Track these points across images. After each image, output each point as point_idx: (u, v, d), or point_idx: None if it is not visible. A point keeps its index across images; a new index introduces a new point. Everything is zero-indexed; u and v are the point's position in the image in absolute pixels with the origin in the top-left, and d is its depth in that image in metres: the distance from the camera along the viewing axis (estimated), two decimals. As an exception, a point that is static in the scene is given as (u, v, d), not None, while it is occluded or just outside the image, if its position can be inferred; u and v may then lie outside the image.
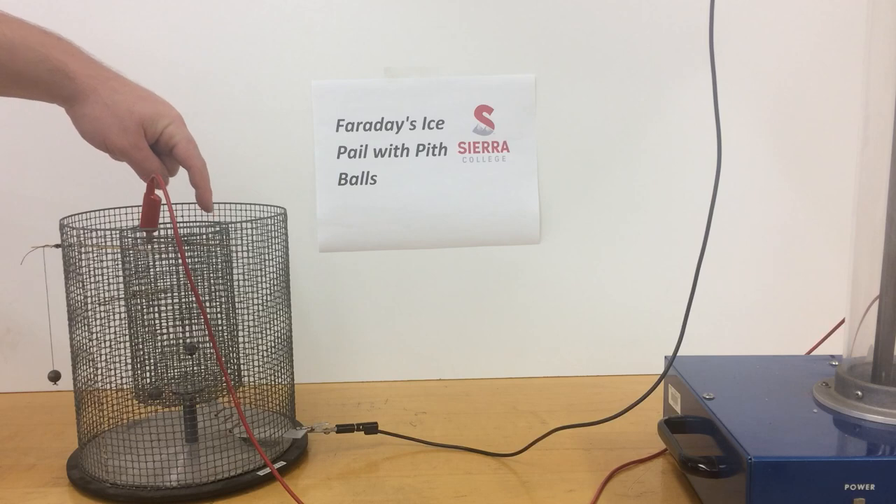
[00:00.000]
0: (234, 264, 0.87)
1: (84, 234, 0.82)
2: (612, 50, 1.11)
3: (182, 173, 0.86)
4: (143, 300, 0.84)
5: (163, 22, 1.09)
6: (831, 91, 1.11)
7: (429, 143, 1.12)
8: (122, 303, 0.84)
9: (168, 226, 0.81)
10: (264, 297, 0.89)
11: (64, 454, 0.91)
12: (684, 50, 1.11)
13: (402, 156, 1.12)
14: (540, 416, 1.03)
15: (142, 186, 0.82)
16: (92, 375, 0.85)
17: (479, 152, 1.13)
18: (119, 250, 0.83)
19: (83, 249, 0.82)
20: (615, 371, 1.17)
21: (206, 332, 0.81)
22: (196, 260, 0.84)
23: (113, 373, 0.85)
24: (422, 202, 1.13)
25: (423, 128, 1.12)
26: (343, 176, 1.12)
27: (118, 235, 0.83)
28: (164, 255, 0.83)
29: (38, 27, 0.79)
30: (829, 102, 1.12)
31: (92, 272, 0.82)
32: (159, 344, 0.84)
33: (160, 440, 0.83)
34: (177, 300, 0.84)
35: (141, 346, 0.85)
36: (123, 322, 0.84)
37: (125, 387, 0.86)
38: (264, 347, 0.89)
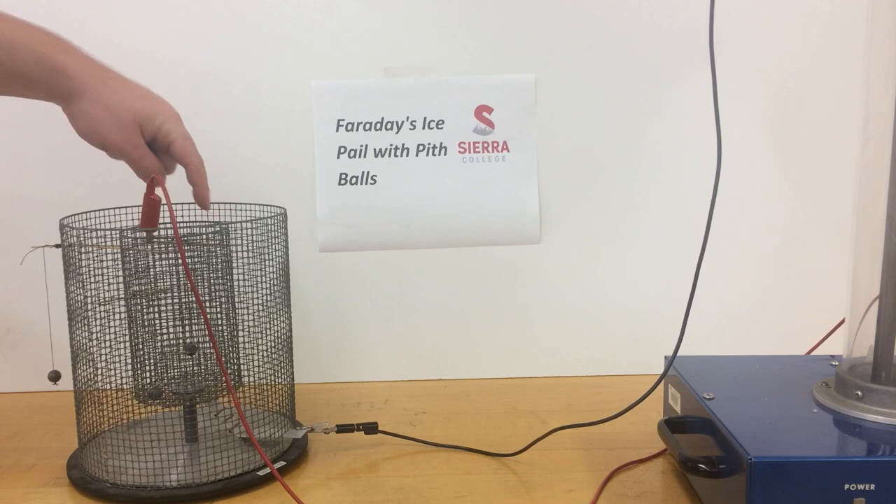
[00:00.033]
0: (234, 264, 0.87)
1: (84, 234, 0.82)
2: (612, 50, 1.11)
3: (179, 171, 0.86)
4: (143, 300, 0.84)
5: (163, 22, 1.09)
6: (831, 91, 1.11)
7: (429, 143, 1.12)
8: (122, 303, 0.84)
9: (168, 226, 0.81)
10: (264, 297, 0.89)
11: (64, 454, 0.91)
12: (684, 50, 1.11)
13: (402, 156, 1.12)
14: (540, 416, 1.03)
15: (142, 186, 0.82)
16: (92, 375, 0.85)
17: (479, 152, 1.13)
18: (119, 250, 0.83)
19: (83, 249, 0.82)
20: (615, 371, 1.17)
21: (206, 332, 0.81)
22: (196, 260, 0.84)
23: (113, 373, 0.85)
24: (422, 202, 1.13)
25: (423, 128, 1.12)
26: (343, 176, 1.12)
27: (118, 235, 0.83)
28: (164, 255, 0.83)
29: (34, 26, 0.79)
30: (829, 102, 1.12)
31: (92, 272, 0.82)
32: (159, 344, 0.84)
33: (160, 440, 0.83)
34: (177, 300, 0.84)
35: (141, 346, 0.85)
36: (123, 322, 0.84)
37: (125, 387, 0.86)
38: (264, 347, 0.89)
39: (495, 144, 1.13)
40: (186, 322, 0.84)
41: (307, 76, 1.11)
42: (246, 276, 0.88)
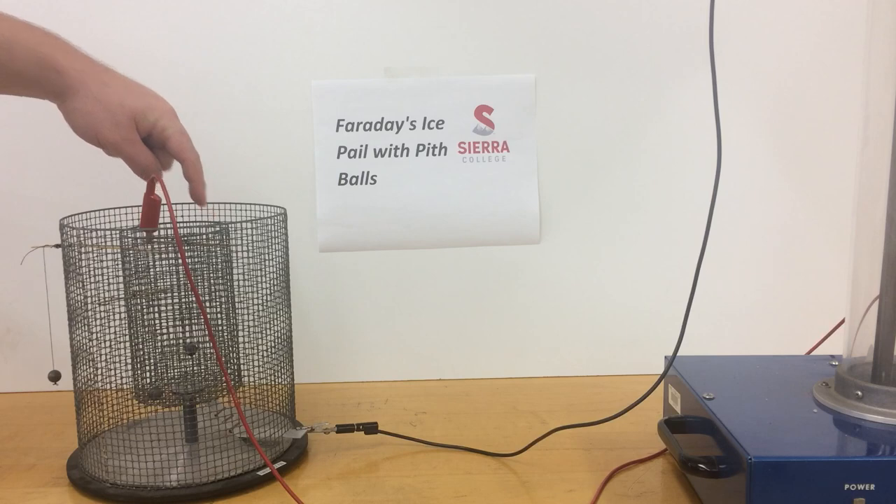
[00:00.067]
0: (234, 264, 0.87)
1: (84, 234, 0.82)
2: (612, 50, 1.11)
3: (178, 170, 0.86)
4: (143, 300, 0.84)
5: (163, 22, 1.09)
6: (831, 91, 1.11)
7: (429, 143, 1.12)
8: (122, 303, 0.84)
9: (168, 226, 0.81)
10: (264, 297, 0.89)
11: (64, 454, 0.91)
12: (684, 50, 1.11)
13: (402, 156, 1.12)
14: (540, 416, 1.03)
15: (142, 186, 0.82)
16: (92, 375, 0.85)
17: (479, 152, 1.13)
18: (119, 250, 0.83)
19: (83, 249, 0.82)
20: (615, 371, 1.17)
21: (206, 332, 0.81)
22: (196, 260, 0.84)
23: (113, 373, 0.85)
24: (422, 202, 1.13)
25: (423, 128, 1.12)
26: (343, 176, 1.12)
27: (118, 235, 0.83)
28: (164, 255, 0.83)
29: (27, 23, 0.79)
30: (829, 102, 1.12)
31: (92, 272, 0.82)
32: (159, 344, 0.84)
33: (160, 440, 0.83)
34: (177, 300, 0.84)
35: (141, 346, 0.85)
36: (123, 322, 0.84)
37: (125, 387, 0.86)
38: (264, 347, 0.89)
39: (495, 144, 1.13)
40: (186, 322, 0.84)
41: (307, 76, 1.11)
42: (246, 276, 0.88)
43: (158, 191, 0.80)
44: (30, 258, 0.85)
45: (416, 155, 1.12)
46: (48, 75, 0.78)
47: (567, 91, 1.12)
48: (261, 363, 0.89)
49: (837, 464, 0.65)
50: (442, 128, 1.12)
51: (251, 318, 0.89)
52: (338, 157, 1.12)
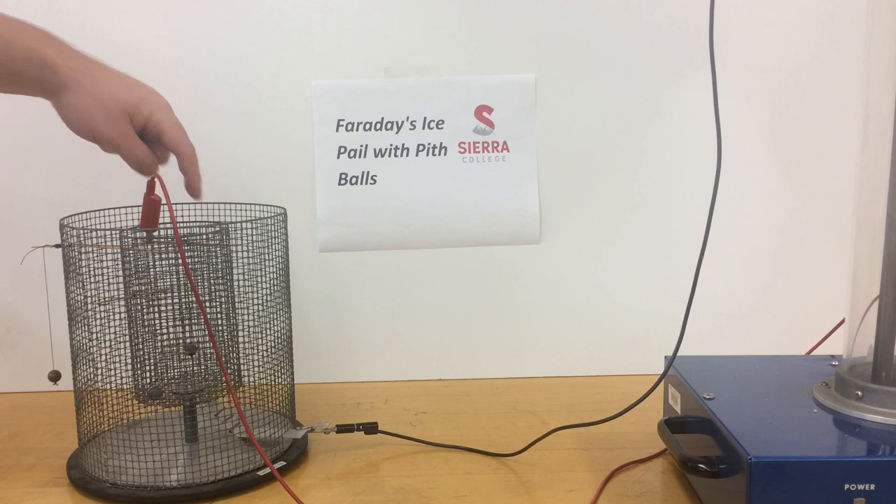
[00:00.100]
0: (234, 264, 0.87)
1: (84, 234, 0.82)
2: (612, 50, 1.11)
3: (177, 168, 0.86)
4: (143, 300, 0.84)
5: (163, 22, 1.09)
6: (831, 91, 1.11)
7: (429, 143, 1.12)
8: (122, 303, 0.84)
9: (168, 226, 0.81)
10: (264, 297, 0.89)
11: (64, 454, 0.91)
12: (684, 50, 1.11)
13: (402, 156, 1.12)
14: (540, 416, 1.03)
15: (142, 186, 0.82)
16: (92, 375, 0.85)
17: (479, 152, 1.13)
18: (119, 250, 0.83)
19: (83, 249, 0.82)
20: (615, 371, 1.17)
21: (206, 332, 0.81)
22: (196, 260, 0.84)
23: (113, 373, 0.85)
24: (422, 202, 1.13)
25: (423, 128, 1.12)
26: (343, 176, 1.12)
27: (118, 235, 0.83)
28: (164, 255, 0.83)
29: (21, 21, 0.79)
30: (829, 102, 1.12)
31: (92, 272, 0.82)
32: (159, 344, 0.84)
33: (160, 440, 0.83)
34: (177, 300, 0.84)
35: (141, 346, 0.85)
36: (123, 322, 0.84)
37: (125, 387, 0.86)
38: (264, 347, 0.89)
39: (495, 144, 1.13)
40: (186, 322, 0.84)
41: (307, 76, 1.11)
42: (246, 276, 0.88)
43: (158, 191, 0.80)
44: (30, 258, 0.85)
45: (416, 155, 1.12)
46: (42, 73, 0.78)
47: (567, 91, 1.12)
48: (261, 363, 0.89)
49: (837, 464, 0.65)
50: (442, 128, 1.12)
51: (251, 318, 0.89)
52: (338, 157, 1.12)
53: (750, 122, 1.13)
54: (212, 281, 0.86)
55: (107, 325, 0.84)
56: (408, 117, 1.12)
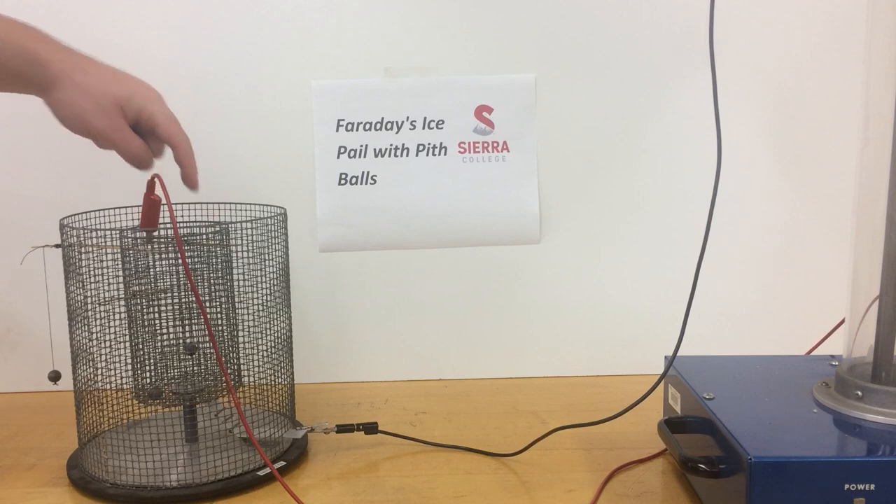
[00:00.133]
0: (234, 264, 0.87)
1: (84, 234, 0.82)
2: (612, 50, 1.11)
3: (175, 168, 0.86)
4: (143, 300, 0.84)
5: (163, 22, 1.09)
6: (831, 91, 1.11)
7: (429, 143, 1.12)
8: (122, 303, 0.84)
9: (168, 226, 0.81)
10: (264, 297, 0.89)
11: (64, 454, 0.91)
12: (684, 50, 1.11)
13: (402, 156, 1.12)
14: (540, 416, 1.03)
15: (141, 187, 0.82)
16: (92, 375, 0.85)
17: (479, 152, 1.13)
18: (119, 250, 0.83)
19: (83, 249, 0.82)
20: (615, 371, 1.17)
21: (206, 332, 0.81)
22: (196, 260, 0.84)
23: (113, 373, 0.85)
24: (422, 202, 1.13)
25: (423, 128, 1.12)
26: (343, 176, 1.12)
27: (118, 235, 0.83)
28: (164, 255, 0.83)
29: (11, 18, 0.79)
30: (829, 102, 1.12)
31: (92, 272, 0.82)
32: (159, 344, 0.84)
33: (160, 440, 0.83)
34: (177, 300, 0.84)
35: (141, 346, 0.85)
36: (123, 322, 0.84)
37: (125, 387, 0.86)
38: (264, 347, 0.89)
39: (495, 144, 1.13)
40: (186, 322, 0.84)
41: (307, 76, 1.11)
42: (246, 276, 0.88)
43: (158, 191, 0.80)
44: (30, 258, 0.85)
45: (416, 155, 1.12)
46: (32, 69, 0.78)
47: (567, 91, 1.12)
48: (261, 363, 0.89)
49: (837, 464, 0.65)
50: (442, 128, 1.12)
51: (251, 318, 0.89)
52: (338, 157, 1.12)
53: (750, 122, 1.13)
54: (212, 281, 0.86)
55: (107, 325, 0.84)
56: (408, 117, 1.12)
